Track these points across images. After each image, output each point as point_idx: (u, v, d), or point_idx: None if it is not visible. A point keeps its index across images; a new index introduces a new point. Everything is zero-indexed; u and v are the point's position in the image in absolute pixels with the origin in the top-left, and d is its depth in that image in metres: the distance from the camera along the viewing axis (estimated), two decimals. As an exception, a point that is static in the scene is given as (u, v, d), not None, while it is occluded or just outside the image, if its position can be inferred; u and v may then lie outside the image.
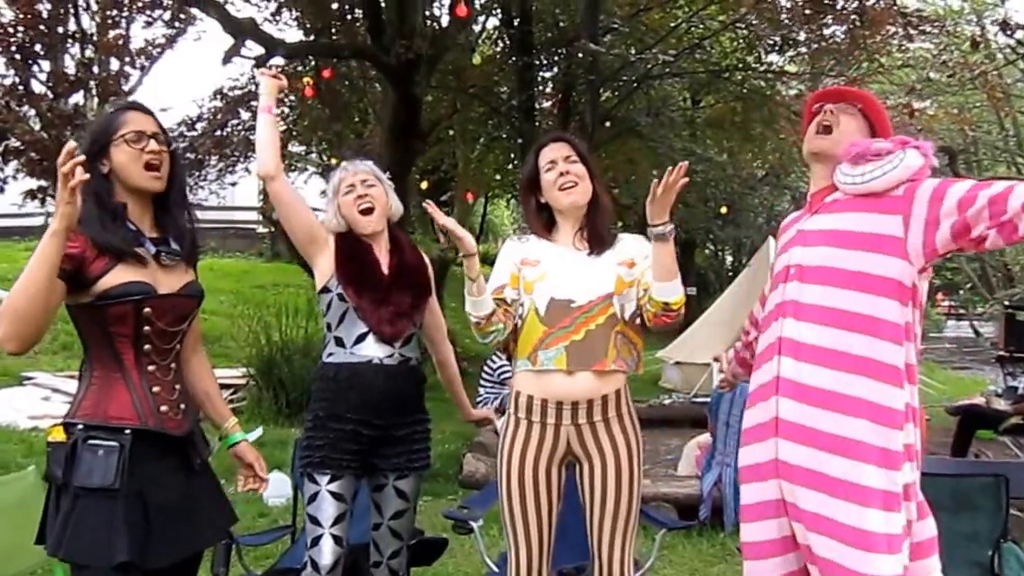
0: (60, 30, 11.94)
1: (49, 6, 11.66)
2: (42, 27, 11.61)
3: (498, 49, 13.15)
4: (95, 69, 12.29)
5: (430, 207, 2.19)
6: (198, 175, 12.14)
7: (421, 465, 2.48)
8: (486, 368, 6.46)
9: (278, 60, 8.71)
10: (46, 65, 12.05)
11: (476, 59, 10.57)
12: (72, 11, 12.12)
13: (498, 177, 15.80)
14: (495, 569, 2.74)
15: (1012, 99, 13.51)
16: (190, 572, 1.98)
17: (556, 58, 12.47)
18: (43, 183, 11.43)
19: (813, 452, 1.78)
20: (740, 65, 12.48)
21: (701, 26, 11.87)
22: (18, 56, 11.50)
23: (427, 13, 10.12)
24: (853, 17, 9.45)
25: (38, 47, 11.72)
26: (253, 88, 11.30)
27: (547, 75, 13.07)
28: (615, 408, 2.22)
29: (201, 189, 12.94)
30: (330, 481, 2.34)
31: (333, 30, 10.73)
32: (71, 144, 1.62)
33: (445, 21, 10.54)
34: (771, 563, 1.90)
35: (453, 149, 14.79)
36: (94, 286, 1.78)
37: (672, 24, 11.79)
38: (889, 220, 1.78)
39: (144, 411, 1.83)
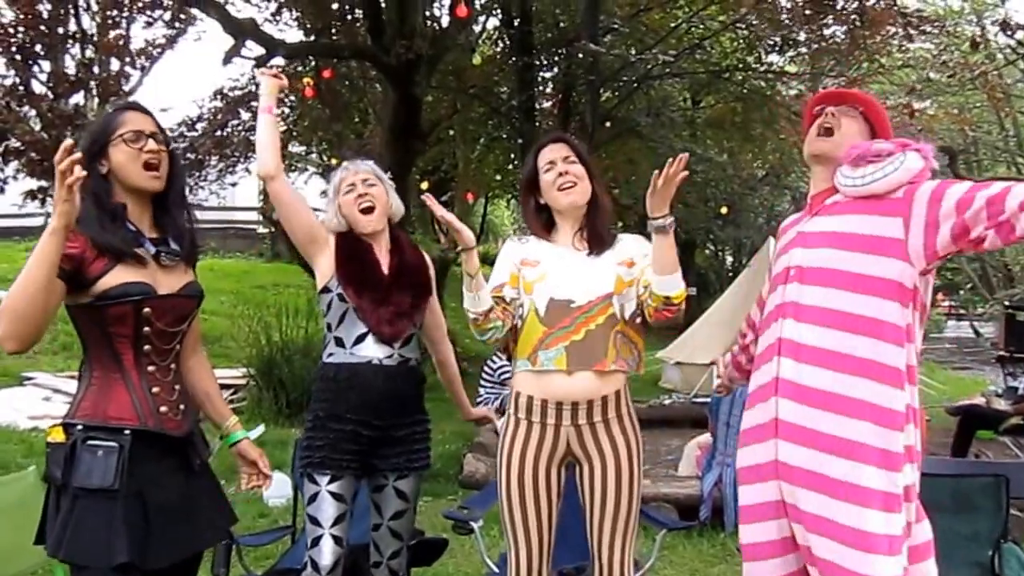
0: (60, 30, 11.94)
1: (49, 6, 11.66)
2: (42, 27, 11.61)
3: (498, 49, 13.15)
4: (95, 69, 12.29)
5: (429, 200, 2.19)
6: (198, 175, 12.14)
7: (421, 465, 2.48)
8: (486, 368, 6.46)
9: (278, 60, 8.71)
10: (46, 65, 12.05)
11: (476, 59, 10.57)
12: (72, 11, 12.12)
13: (498, 177, 15.81)
14: (495, 569, 2.73)
15: (1012, 99, 13.51)
16: (190, 573, 1.98)
17: (556, 58, 12.47)
18: (43, 183, 11.42)
19: (813, 453, 1.78)
20: (740, 65, 12.49)
21: (701, 26, 11.87)
22: (18, 56, 11.50)
23: (427, 13, 10.13)
24: (853, 17, 9.46)
25: (38, 47, 11.72)
26: (253, 88, 11.30)
27: (547, 75, 13.08)
28: (615, 409, 2.21)
29: (201, 189, 12.93)
30: (330, 481, 2.33)
31: (333, 30, 10.74)
32: (68, 142, 1.62)
33: (445, 21, 10.55)
34: (771, 564, 1.90)
35: (453, 149, 14.80)
36: (94, 286, 1.78)
37: (672, 24, 11.79)
38: (889, 222, 1.78)
39: (143, 412, 1.82)
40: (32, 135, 11.16)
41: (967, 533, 2.64)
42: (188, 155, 11.12)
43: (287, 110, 11.96)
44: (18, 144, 11.28)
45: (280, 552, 3.23)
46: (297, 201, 2.48)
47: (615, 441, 2.21)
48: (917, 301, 1.81)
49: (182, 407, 1.92)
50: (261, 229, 17.28)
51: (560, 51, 12.09)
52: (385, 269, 2.45)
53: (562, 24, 12.36)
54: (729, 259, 25.13)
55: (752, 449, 1.93)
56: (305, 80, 10.05)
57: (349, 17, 10.69)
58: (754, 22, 10.77)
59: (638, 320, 2.25)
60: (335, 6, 10.73)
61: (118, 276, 1.79)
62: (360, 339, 2.38)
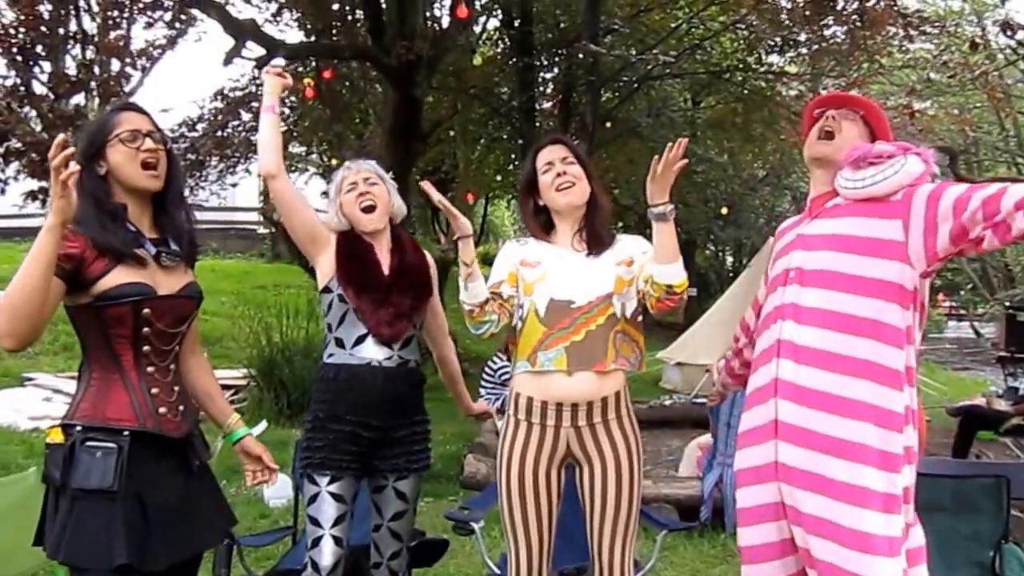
0: (61, 31, 11.96)
1: (50, 7, 11.67)
2: (43, 28, 11.63)
3: (499, 50, 13.15)
4: (96, 70, 12.29)
5: (428, 187, 2.19)
6: (199, 176, 12.13)
7: (421, 466, 2.48)
8: (487, 369, 6.45)
9: (279, 61, 8.71)
10: (47, 66, 12.07)
11: (477, 60, 10.56)
12: (73, 12, 12.13)
13: (499, 178, 15.81)
14: (496, 570, 2.73)
15: (1012, 100, 13.48)
16: (189, 574, 1.98)
17: (557, 59, 12.48)
18: (44, 184, 11.42)
19: (813, 455, 1.78)
20: (741, 66, 12.49)
21: (702, 27, 11.88)
22: (19, 57, 11.52)
23: (428, 14, 10.14)
24: (854, 18, 9.46)
25: (39, 48, 11.74)
26: (254, 89, 11.32)
27: (548, 76, 13.09)
28: (615, 410, 2.21)
29: (202, 190, 12.93)
30: (330, 482, 2.33)
31: (334, 31, 10.74)
32: (60, 137, 1.61)
33: (446, 22, 10.55)
34: (770, 567, 1.90)
35: (454, 150, 14.81)
36: (93, 287, 1.77)
37: (673, 25, 11.79)
38: (889, 224, 1.79)
39: (143, 413, 1.82)
40: (33, 136, 11.16)
41: (968, 534, 2.64)
42: (189, 156, 11.12)
43: (287, 111, 11.95)
44: (19, 145, 11.30)
45: (281, 553, 3.23)
46: (298, 200, 2.48)
47: (615, 442, 2.21)
48: (917, 303, 1.82)
49: (181, 408, 1.92)
50: (262, 230, 17.30)
51: (560, 52, 12.10)
52: (386, 269, 2.45)
53: (562, 25, 12.36)
54: (729, 259, 25.14)
55: (751, 451, 1.93)
56: (306, 81, 10.04)
57: (350, 18, 10.70)
58: (754, 23, 10.78)
59: (639, 317, 2.25)
60: (336, 7, 10.74)
61: (118, 277, 1.79)
62: (360, 340, 2.38)
